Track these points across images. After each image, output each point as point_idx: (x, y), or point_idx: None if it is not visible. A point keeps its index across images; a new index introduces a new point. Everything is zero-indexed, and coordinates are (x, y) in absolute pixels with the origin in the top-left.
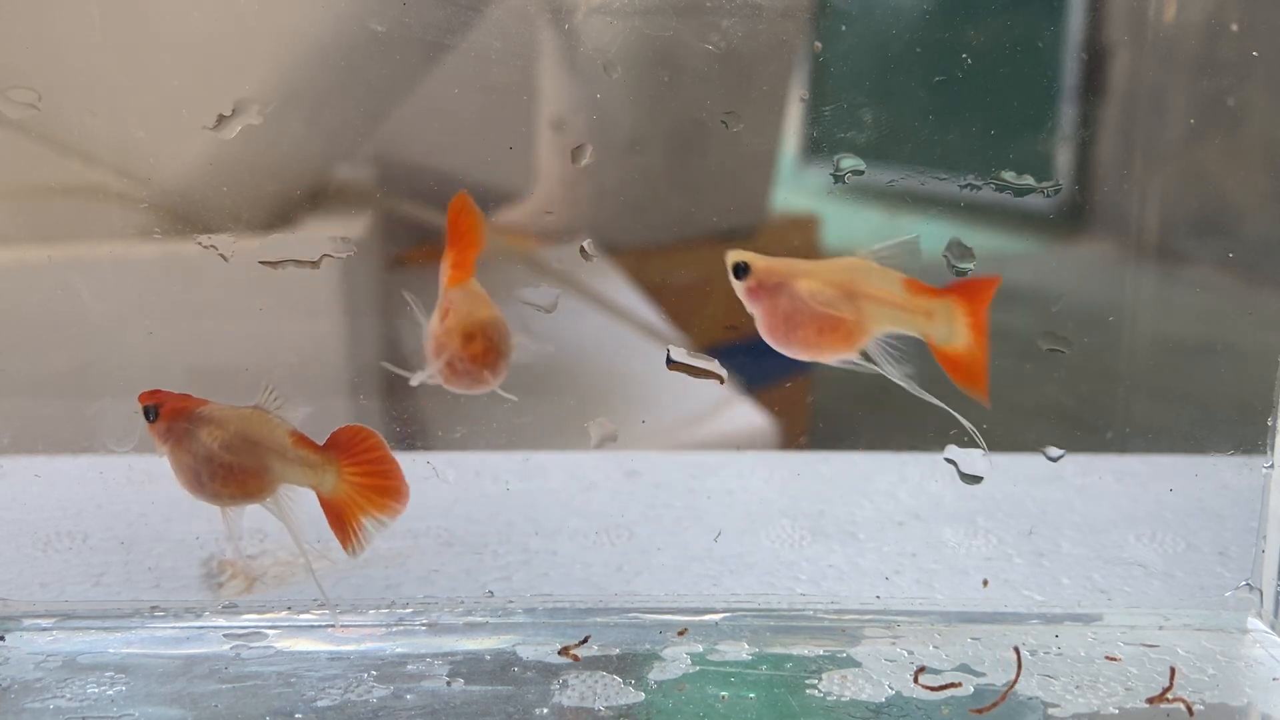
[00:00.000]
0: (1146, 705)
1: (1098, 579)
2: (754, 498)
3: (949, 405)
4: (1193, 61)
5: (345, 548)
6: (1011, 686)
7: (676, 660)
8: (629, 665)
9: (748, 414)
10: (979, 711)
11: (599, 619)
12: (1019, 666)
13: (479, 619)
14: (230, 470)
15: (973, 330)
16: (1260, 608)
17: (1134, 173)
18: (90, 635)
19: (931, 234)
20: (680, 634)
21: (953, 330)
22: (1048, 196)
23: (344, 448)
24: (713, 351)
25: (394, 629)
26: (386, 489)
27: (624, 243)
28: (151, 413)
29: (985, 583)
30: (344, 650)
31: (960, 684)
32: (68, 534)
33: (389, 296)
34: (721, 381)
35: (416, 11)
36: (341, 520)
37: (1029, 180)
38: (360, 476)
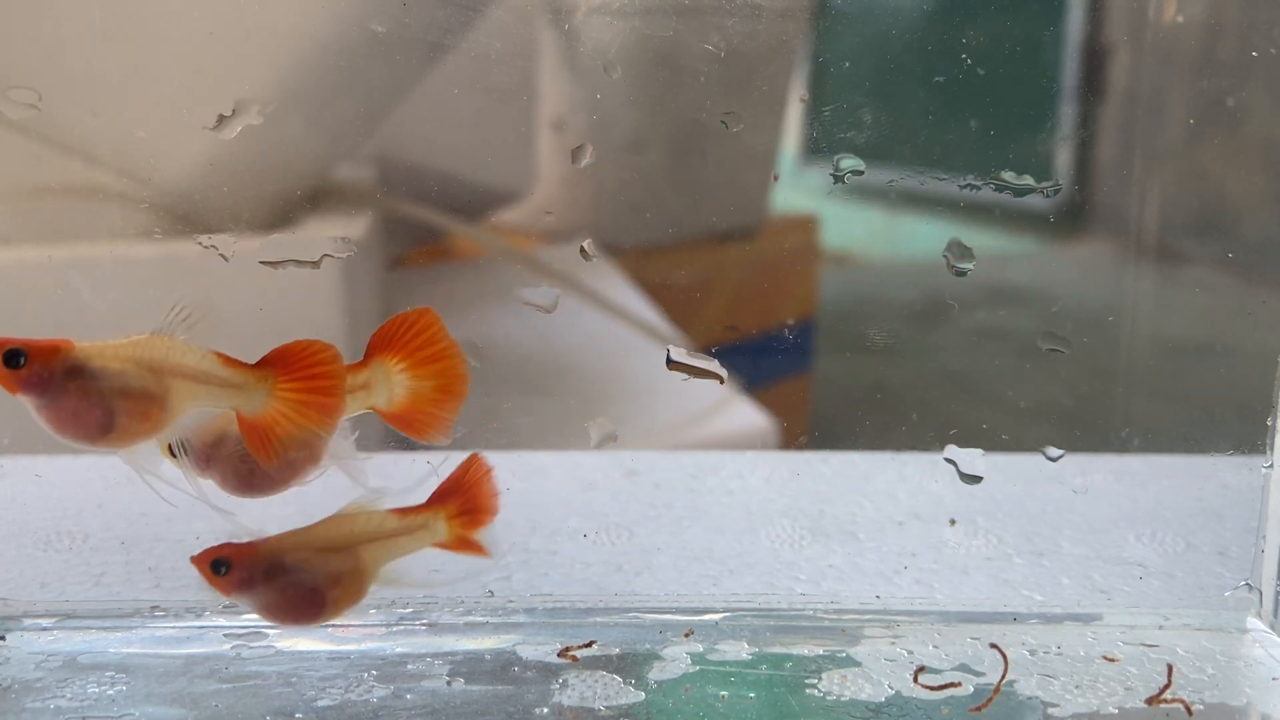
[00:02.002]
0: (1145, 705)
1: (1097, 579)
2: (754, 498)
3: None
4: (1193, 61)
5: (266, 463)
6: (1000, 684)
7: (676, 660)
8: (629, 665)
9: (748, 414)
10: (976, 710)
11: (599, 619)
12: (1005, 663)
13: (479, 619)
14: (127, 406)
15: (415, 379)
16: (1260, 607)
17: (1134, 173)
18: (91, 635)
19: (931, 234)
20: (686, 635)
21: (391, 390)
22: (1047, 197)
23: (284, 363)
24: (713, 351)
25: (394, 629)
26: (325, 406)
27: (624, 243)
28: (16, 358)
29: (953, 522)
30: (344, 650)
31: (960, 683)
32: (68, 534)
33: (389, 297)
34: (721, 381)
35: (417, 12)
36: (266, 438)
37: (1029, 180)
38: (297, 391)
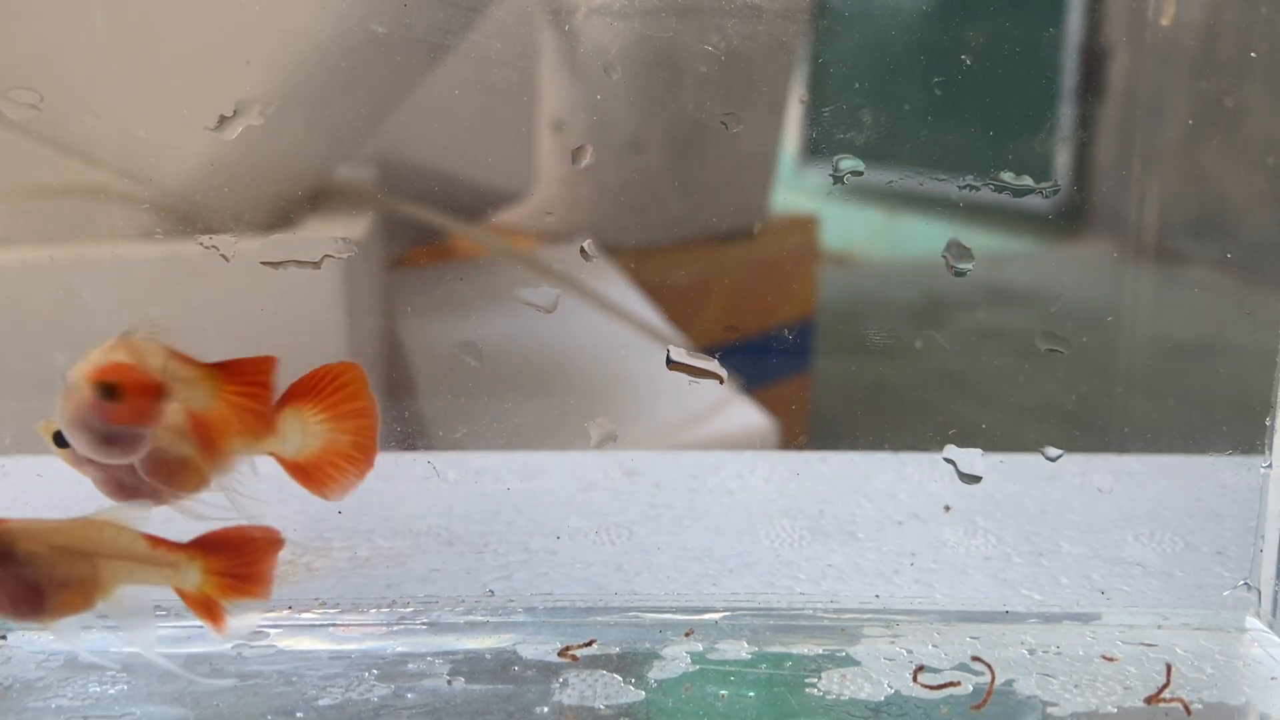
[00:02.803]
0: (1144, 704)
1: (1096, 578)
2: (754, 498)
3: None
4: (1192, 62)
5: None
6: (991, 688)
7: (676, 659)
8: (629, 664)
9: (748, 414)
10: (975, 709)
11: (599, 618)
12: (991, 674)
13: (479, 618)
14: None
15: (332, 431)
16: (1258, 607)
17: (1133, 173)
18: (92, 634)
19: (931, 234)
20: (687, 634)
21: (303, 438)
22: (1046, 197)
23: (216, 547)
24: (712, 351)
25: (395, 628)
26: (257, 579)
27: (624, 243)
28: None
29: (947, 509)
30: (345, 649)
31: (959, 682)
32: None
33: (389, 297)
34: (721, 381)
35: (418, 13)
36: (209, 606)
37: (1028, 181)
38: (227, 570)
